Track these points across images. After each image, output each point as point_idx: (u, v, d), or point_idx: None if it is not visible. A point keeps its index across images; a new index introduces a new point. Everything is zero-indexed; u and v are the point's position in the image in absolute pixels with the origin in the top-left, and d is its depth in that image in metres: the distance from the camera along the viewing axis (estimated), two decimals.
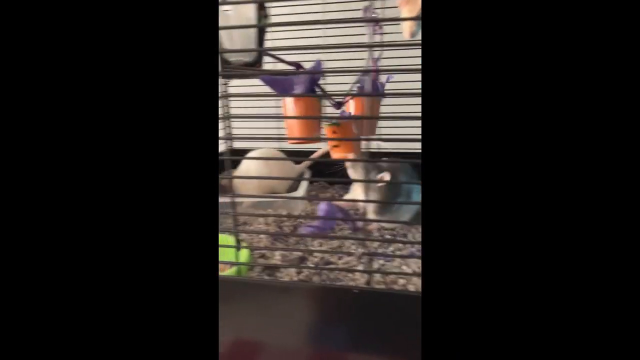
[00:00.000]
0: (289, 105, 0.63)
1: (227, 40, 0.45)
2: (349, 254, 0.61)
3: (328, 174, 0.98)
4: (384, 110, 0.81)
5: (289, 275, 0.55)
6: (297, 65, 0.69)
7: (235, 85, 0.99)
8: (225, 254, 0.59)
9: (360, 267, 0.59)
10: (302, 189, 0.83)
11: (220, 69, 0.38)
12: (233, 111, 1.00)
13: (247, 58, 0.49)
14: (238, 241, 0.43)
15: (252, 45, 0.49)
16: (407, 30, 0.60)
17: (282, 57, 0.63)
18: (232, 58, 0.47)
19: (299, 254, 0.61)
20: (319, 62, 0.61)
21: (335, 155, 0.72)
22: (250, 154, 0.83)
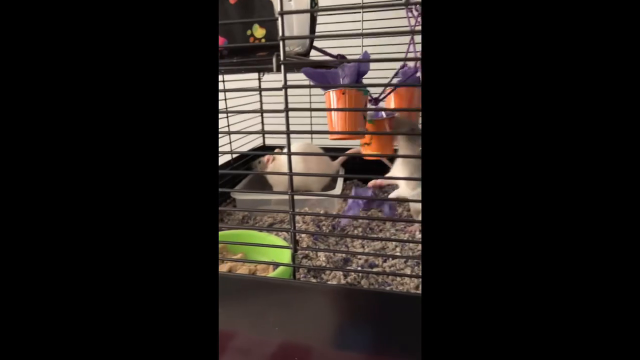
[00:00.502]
0: (333, 100, 0.61)
1: (288, 30, 0.43)
2: (395, 257, 0.58)
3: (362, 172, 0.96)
4: None
5: (336, 277, 0.52)
6: (341, 57, 0.67)
7: (269, 81, 0.97)
8: (268, 255, 0.57)
9: (407, 271, 0.56)
10: (339, 186, 0.81)
11: (282, 59, 0.35)
12: (266, 106, 0.99)
13: (300, 48, 0.47)
14: (296, 242, 0.40)
15: (307, 34, 0.46)
16: None
17: (326, 49, 0.61)
18: (287, 48, 0.45)
19: (344, 255, 0.59)
20: (366, 54, 0.58)
21: (364, 152, 0.69)
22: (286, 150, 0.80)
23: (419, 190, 0.68)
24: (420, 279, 0.52)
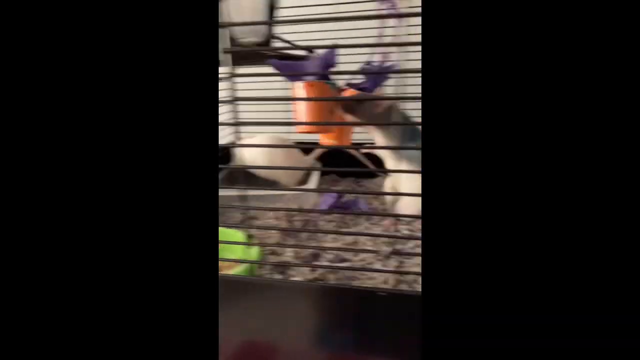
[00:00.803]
0: (300, 92, 0.60)
1: (239, 18, 0.41)
2: (368, 251, 0.57)
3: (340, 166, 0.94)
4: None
5: (302, 273, 0.51)
6: (310, 50, 0.65)
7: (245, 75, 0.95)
8: (233, 251, 0.56)
9: (378, 265, 0.55)
10: (313, 181, 0.80)
11: (229, 46, 0.34)
12: (240, 94, 0.97)
13: (256, 38, 0.45)
14: (249, 237, 0.39)
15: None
16: None
17: (294, 41, 0.60)
18: (242, 39, 0.43)
19: (313, 250, 0.58)
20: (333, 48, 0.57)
21: (325, 141, 0.68)
22: (249, 141, 0.76)
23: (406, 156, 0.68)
24: (389, 274, 0.51)
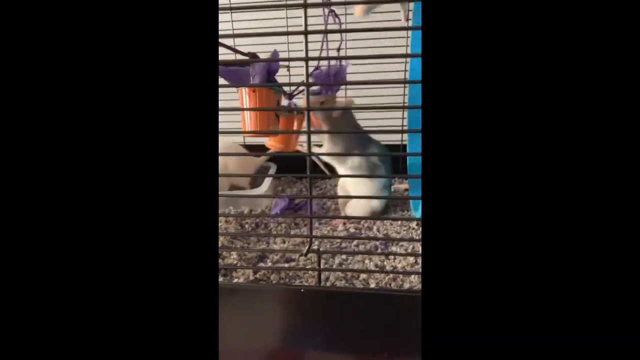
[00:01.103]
0: (245, 98, 0.61)
1: None
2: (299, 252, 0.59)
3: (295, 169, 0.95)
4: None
5: (245, 275, 0.53)
6: (253, 55, 0.67)
7: None
8: None
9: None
10: (266, 184, 0.81)
11: None
12: None
13: None
14: None
15: None
16: (359, 9, 0.59)
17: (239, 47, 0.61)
18: None
19: (258, 252, 0.59)
20: (275, 52, 0.58)
21: (269, 144, 0.70)
22: None
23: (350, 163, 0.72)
24: (323, 272, 0.53)
